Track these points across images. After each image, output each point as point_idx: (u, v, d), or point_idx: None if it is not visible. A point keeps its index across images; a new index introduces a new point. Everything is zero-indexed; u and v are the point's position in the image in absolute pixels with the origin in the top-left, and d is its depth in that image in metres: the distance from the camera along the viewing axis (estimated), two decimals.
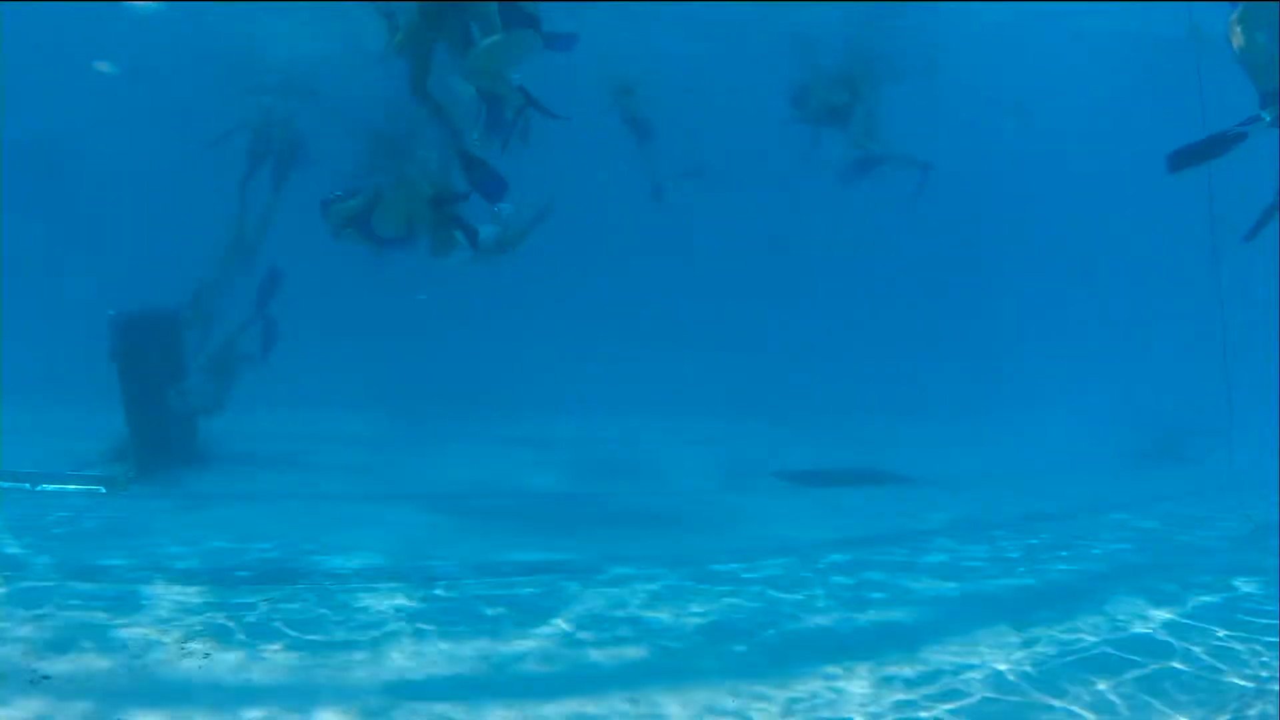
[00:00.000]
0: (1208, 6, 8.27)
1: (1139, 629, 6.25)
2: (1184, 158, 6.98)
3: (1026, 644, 5.90)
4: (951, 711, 4.91)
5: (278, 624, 5.97)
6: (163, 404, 11.30)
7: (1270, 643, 5.92)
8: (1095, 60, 18.23)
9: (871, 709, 4.91)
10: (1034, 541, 9.08)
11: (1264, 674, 5.40)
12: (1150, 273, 22.89)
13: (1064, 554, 8.61)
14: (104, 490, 10.21)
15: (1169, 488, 12.80)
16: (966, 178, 23.58)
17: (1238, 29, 6.95)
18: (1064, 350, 22.90)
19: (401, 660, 5.50)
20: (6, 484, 10.01)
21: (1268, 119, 6.70)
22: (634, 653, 5.76)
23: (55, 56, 18.50)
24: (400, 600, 6.57)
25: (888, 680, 5.29)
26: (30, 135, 19.43)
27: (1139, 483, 13.46)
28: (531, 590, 6.98)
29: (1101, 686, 5.21)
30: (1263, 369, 14.66)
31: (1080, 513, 10.65)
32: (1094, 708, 4.94)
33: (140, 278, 12.70)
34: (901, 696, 5.08)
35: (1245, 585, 7.29)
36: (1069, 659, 5.66)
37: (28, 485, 10.06)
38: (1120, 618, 6.47)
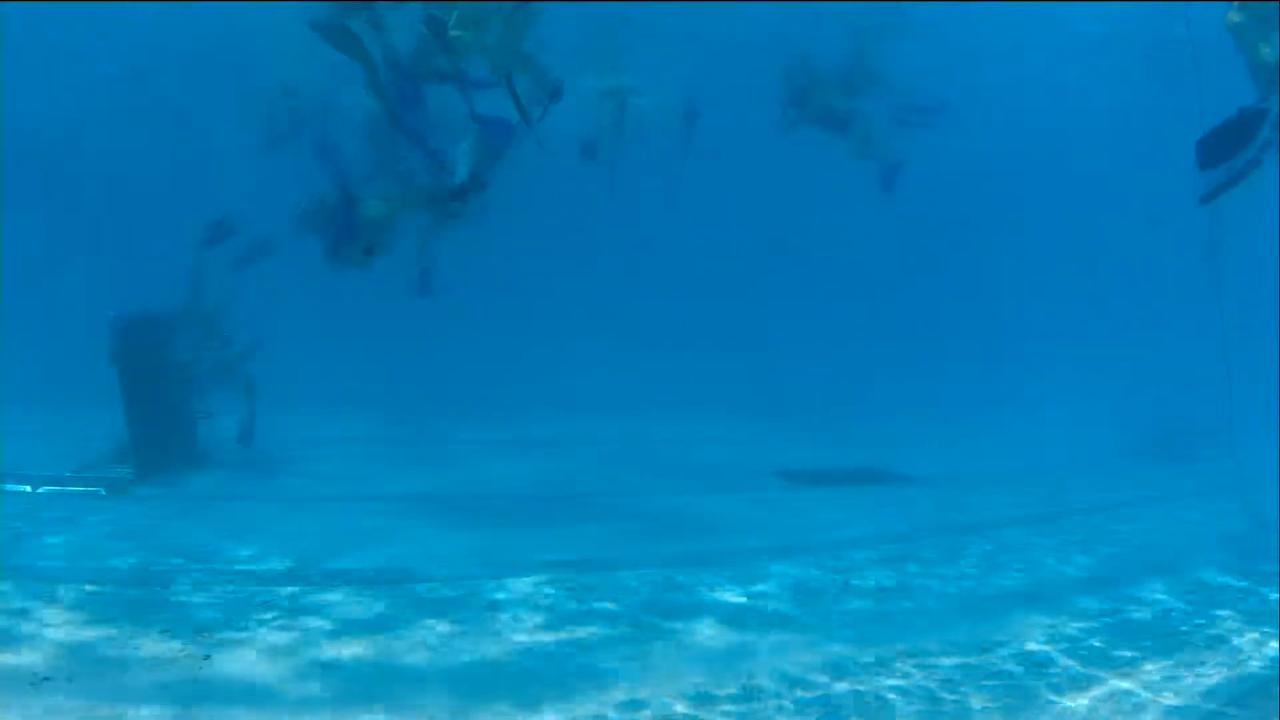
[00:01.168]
0: (1206, 7, 8.26)
1: None
2: (1212, 150, 6.95)
3: None
4: None
5: None
6: (162, 405, 11.28)
7: None
8: (1097, 61, 18.21)
9: None
10: None
11: None
12: (1151, 272, 22.87)
13: None
14: (104, 492, 10.20)
15: (1167, 488, 12.77)
16: (968, 178, 23.61)
17: (1235, 18, 6.99)
18: (1065, 350, 22.88)
19: None
20: (7, 486, 9.99)
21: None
22: None
23: (55, 56, 18.48)
24: None
25: None
26: (30, 135, 19.43)
27: (1131, 484, 13.39)
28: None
29: None
30: (1264, 368, 14.64)
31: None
32: None
33: (140, 279, 12.69)
34: None
35: None
36: None
37: (28, 487, 10.05)
38: None
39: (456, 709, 4.91)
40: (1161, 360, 19.12)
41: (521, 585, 7.09)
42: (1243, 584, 7.61)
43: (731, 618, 6.48)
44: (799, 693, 5.13)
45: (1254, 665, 5.71)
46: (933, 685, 5.29)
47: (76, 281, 17.89)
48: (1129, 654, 5.85)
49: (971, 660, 5.70)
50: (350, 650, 5.68)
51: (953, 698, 5.14)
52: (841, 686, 5.24)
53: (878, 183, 13.22)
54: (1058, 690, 5.25)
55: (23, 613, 5.95)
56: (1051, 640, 6.09)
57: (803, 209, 24.12)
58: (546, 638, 6.03)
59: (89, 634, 5.67)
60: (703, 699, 5.06)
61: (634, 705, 4.98)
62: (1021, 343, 23.42)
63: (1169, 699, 5.19)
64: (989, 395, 20.13)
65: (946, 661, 5.66)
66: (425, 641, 5.89)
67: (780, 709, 4.92)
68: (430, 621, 6.21)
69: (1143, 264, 23.37)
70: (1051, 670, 5.56)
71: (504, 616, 6.40)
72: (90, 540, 8.10)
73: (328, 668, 5.41)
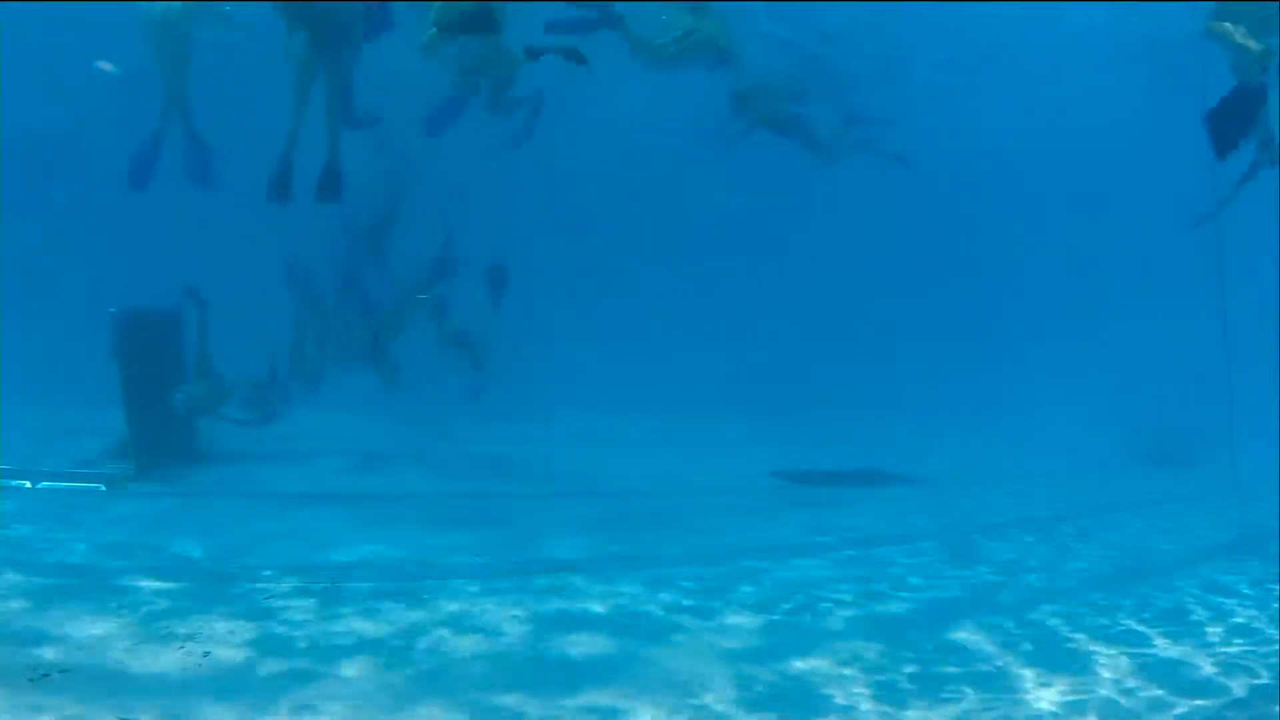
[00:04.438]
0: (1209, 7, 8.28)
1: None
2: (1225, 131, 7.06)
3: None
4: None
5: None
6: (163, 402, 11.28)
7: None
8: (1096, 61, 18.24)
9: None
10: None
11: None
12: (1151, 273, 22.90)
13: None
14: (104, 488, 10.21)
15: (1158, 491, 12.77)
16: (968, 178, 23.63)
17: (1225, 26, 7.06)
18: (1065, 351, 22.91)
19: None
20: (6, 481, 10.00)
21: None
22: None
23: (55, 56, 18.48)
24: None
25: None
26: (30, 134, 19.42)
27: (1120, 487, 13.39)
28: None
29: None
30: (1263, 370, 14.68)
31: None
32: None
33: (140, 276, 12.70)
34: None
35: None
36: None
37: (27, 483, 10.06)
38: None
39: None
40: (1159, 363, 19.15)
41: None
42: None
43: None
44: None
45: None
46: None
47: (77, 278, 17.89)
48: None
49: None
50: None
51: None
52: None
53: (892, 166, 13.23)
54: None
55: None
56: None
57: (802, 209, 24.13)
58: None
59: None
60: None
61: None
62: (1018, 345, 23.45)
63: None
64: (985, 397, 20.16)
65: None
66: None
67: None
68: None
69: (1142, 266, 23.41)
70: None
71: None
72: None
73: None
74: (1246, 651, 5.88)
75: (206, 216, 14.66)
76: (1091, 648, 5.89)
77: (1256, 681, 5.34)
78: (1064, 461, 15.58)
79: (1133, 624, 6.39)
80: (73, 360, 12.35)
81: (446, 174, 15.32)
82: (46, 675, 4.98)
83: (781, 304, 24.97)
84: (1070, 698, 5.07)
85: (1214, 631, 6.27)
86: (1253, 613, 6.68)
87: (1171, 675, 5.44)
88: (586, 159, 20.96)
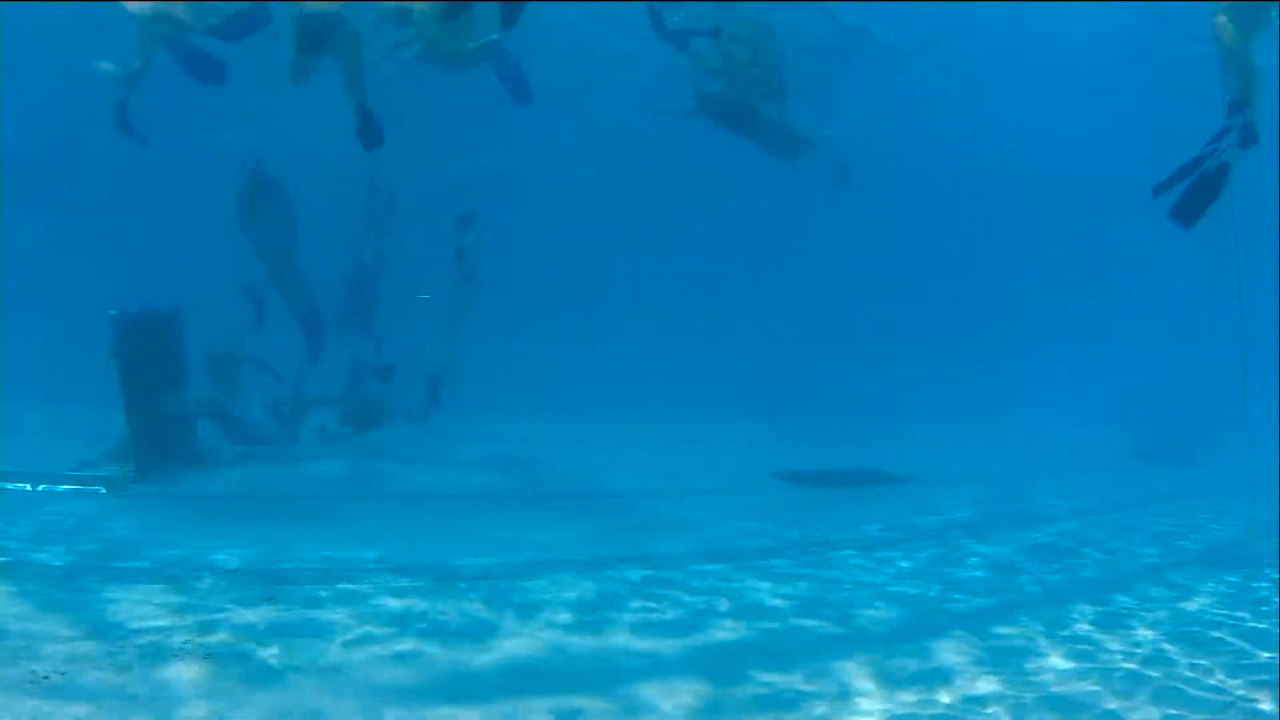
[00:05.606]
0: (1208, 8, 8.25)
1: None
2: (1171, 190, 7.04)
3: None
4: None
5: None
6: (163, 404, 11.27)
7: None
8: (1101, 59, 18.23)
9: None
10: None
11: None
12: (1154, 274, 22.92)
13: None
14: (104, 491, 10.18)
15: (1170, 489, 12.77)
16: (969, 178, 23.62)
17: (1225, 27, 6.99)
18: (1067, 351, 22.92)
19: None
20: (7, 484, 9.98)
21: (1235, 133, 6.70)
22: None
23: (55, 56, 18.46)
24: None
25: None
26: (30, 135, 19.41)
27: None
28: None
29: None
30: (1264, 369, 14.66)
31: None
32: None
33: (141, 277, 12.68)
34: None
35: None
36: None
37: (28, 486, 10.04)
38: None
39: None
40: (1160, 363, 19.15)
41: None
42: None
43: None
44: None
45: None
46: None
47: (77, 280, 17.89)
48: None
49: None
50: None
51: None
52: None
53: (832, 181, 13.15)
54: None
55: None
56: None
57: (803, 210, 24.16)
58: None
59: None
60: None
61: None
62: (1019, 345, 23.46)
63: None
64: (985, 397, 20.16)
65: None
66: None
67: None
68: None
69: (1143, 267, 23.42)
70: None
71: None
72: None
73: None
74: None
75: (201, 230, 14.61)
76: None
77: None
78: (1065, 460, 15.58)
79: None
80: (73, 361, 12.33)
81: (446, 177, 15.30)
82: (46, 678, 4.97)
83: (782, 305, 25.00)
84: None
85: None
86: None
87: None
88: (586, 158, 20.96)
